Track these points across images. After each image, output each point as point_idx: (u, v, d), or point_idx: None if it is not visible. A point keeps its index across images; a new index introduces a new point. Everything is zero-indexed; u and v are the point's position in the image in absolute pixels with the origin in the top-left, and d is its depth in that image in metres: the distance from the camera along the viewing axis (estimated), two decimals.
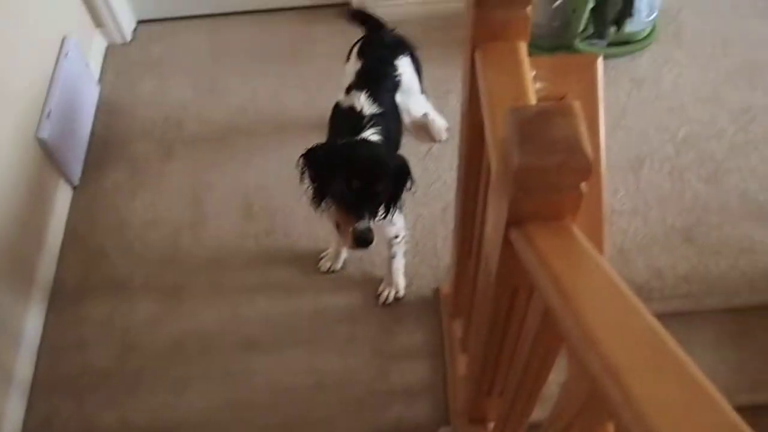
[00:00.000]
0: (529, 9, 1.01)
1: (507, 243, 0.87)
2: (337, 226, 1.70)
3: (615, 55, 2.47)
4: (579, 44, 2.39)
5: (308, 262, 2.16)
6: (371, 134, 1.81)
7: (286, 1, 2.81)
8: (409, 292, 2.09)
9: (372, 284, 2.10)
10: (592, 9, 2.28)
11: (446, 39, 2.63)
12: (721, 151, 2.31)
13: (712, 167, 2.27)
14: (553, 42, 2.41)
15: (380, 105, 1.90)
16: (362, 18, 2.21)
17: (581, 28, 2.32)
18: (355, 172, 1.58)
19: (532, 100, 0.98)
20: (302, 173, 1.68)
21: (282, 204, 2.28)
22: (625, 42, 2.46)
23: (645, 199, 2.22)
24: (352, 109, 1.89)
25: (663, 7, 2.53)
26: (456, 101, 2.47)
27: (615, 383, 0.58)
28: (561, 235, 0.80)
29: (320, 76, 2.60)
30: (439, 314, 2.07)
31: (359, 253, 2.13)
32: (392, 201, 1.69)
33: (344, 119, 1.90)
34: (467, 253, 1.60)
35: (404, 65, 2.07)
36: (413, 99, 2.15)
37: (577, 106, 0.77)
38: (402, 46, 2.11)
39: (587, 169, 0.75)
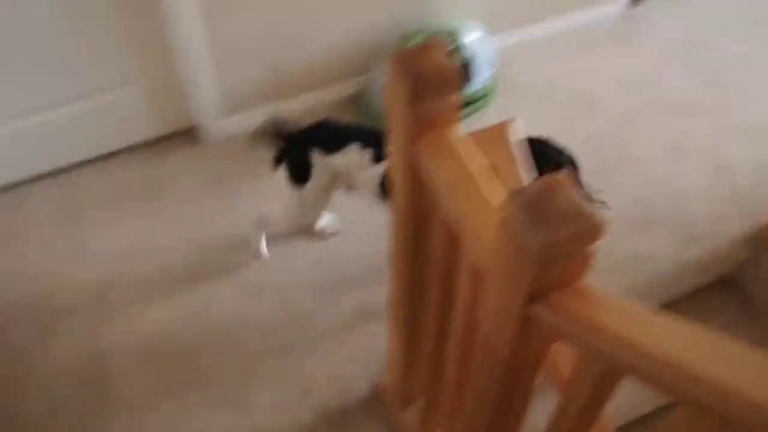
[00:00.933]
0: (457, 94, 1.05)
1: (523, 319, 0.88)
2: None
3: (465, 116, 2.61)
4: None
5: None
6: None
7: (130, 137, 2.70)
8: (349, 396, 2.03)
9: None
10: None
11: None
12: (588, 178, 2.47)
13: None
14: None
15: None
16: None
17: None
18: None
19: (493, 178, 1.01)
20: None
21: (193, 347, 2.15)
22: (472, 102, 2.60)
23: None
24: None
25: (496, 62, 2.71)
26: None
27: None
28: (586, 296, 0.82)
29: (188, 206, 2.52)
30: (386, 408, 2.03)
31: None
32: None
33: None
34: (417, 339, 1.59)
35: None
36: None
37: (564, 176, 0.81)
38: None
39: (599, 230, 0.78)
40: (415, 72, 0.99)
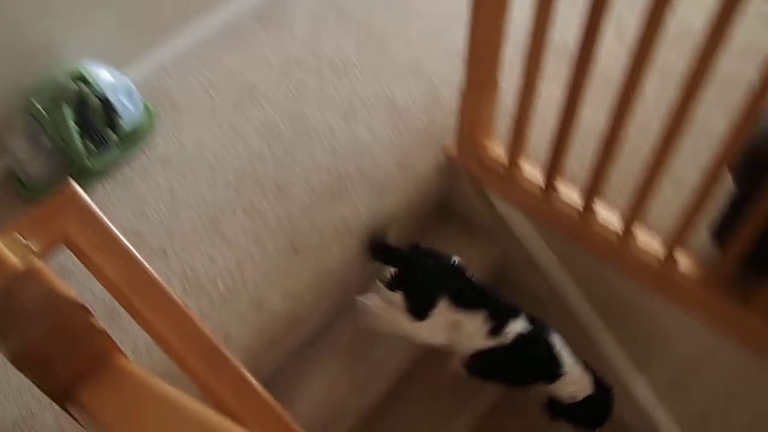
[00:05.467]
0: None
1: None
2: None
3: (134, 151, 2.47)
4: (92, 162, 2.33)
5: None
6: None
7: None
8: None
9: None
10: (79, 129, 2.24)
11: None
12: (270, 169, 2.45)
13: (273, 185, 2.40)
14: (67, 177, 2.32)
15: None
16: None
17: (81, 149, 2.27)
18: None
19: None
20: None
21: None
22: (133, 135, 2.46)
23: (241, 246, 2.27)
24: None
25: (143, 87, 2.58)
26: None
27: None
28: (115, 384, 0.75)
29: None
30: None
31: None
32: None
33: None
34: None
35: None
36: None
37: (32, 260, 0.73)
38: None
39: (82, 308, 0.71)
40: None
